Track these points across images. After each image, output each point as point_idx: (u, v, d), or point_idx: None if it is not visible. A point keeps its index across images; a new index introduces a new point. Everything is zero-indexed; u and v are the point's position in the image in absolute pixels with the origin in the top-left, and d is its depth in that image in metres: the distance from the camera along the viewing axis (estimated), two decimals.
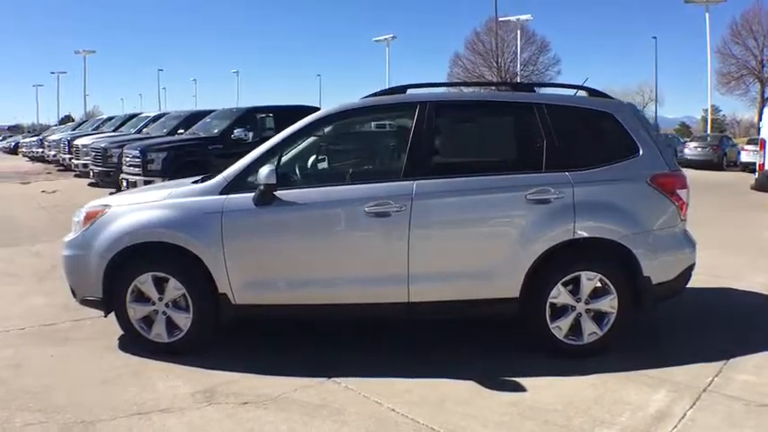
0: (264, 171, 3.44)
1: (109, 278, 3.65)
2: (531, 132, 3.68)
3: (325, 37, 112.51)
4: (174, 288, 3.62)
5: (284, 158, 3.75)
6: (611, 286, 3.55)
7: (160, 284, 3.64)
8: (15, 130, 60.75)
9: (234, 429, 2.89)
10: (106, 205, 3.77)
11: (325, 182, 3.85)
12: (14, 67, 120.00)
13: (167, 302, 3.65)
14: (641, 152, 3.65)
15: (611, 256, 3.59)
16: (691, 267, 3.78)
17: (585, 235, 3.52)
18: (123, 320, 3.72)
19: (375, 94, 3.97)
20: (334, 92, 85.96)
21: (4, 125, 66.01)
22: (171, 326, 3.68)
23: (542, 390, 3.23)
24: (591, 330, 3.57)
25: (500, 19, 43.81)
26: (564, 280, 3.53)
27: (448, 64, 51.36)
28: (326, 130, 4.02)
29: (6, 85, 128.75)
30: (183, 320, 3.65)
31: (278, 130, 4.07)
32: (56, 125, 41.81)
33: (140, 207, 3.71)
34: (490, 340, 3.98)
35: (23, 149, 28.28)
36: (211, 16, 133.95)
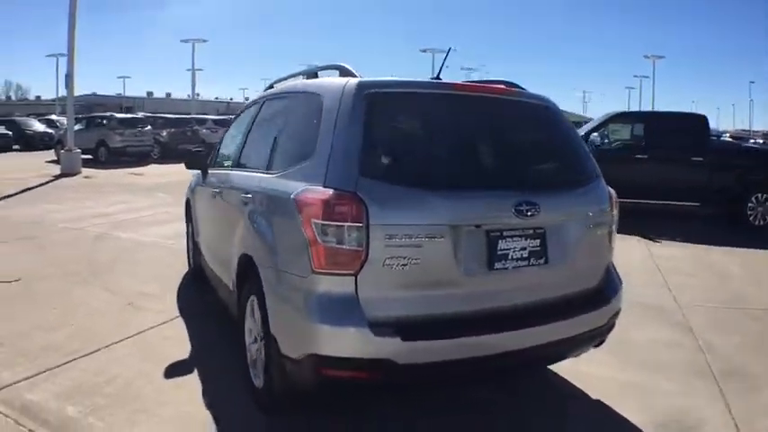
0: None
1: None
2: (276, 126, 3.28)
3: None
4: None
5: (225, 143, 4.32)
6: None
7: None
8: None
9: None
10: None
11: (224, 167, 4.08)
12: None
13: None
14: (314, 155, 2.54)
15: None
16: (325, 361, 2.25)
17: (243, 251, 2.93)
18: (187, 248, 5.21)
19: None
20: None
21: None
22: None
23: None
24: (256, 373, 2.80)
25: None
26: (252, 298, 2.83)
27: None
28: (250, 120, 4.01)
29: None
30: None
31: None
32: None
33: (193, 177, 4.93)
34: None
35: None
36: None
